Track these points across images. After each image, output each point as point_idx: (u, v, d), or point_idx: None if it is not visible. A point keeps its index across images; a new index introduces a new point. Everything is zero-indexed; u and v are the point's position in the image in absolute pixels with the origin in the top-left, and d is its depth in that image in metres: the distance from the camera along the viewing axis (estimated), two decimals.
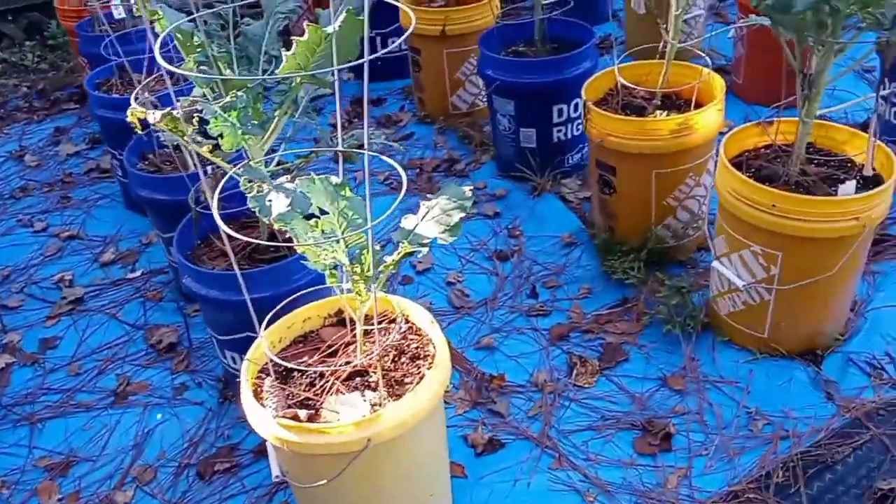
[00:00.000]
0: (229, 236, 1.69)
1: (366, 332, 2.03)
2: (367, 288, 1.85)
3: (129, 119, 2.20)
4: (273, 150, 2.33)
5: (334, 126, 2.28)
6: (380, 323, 2.05)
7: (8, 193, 3.85)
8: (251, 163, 2.23)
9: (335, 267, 1.87)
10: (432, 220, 1.88)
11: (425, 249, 1.83)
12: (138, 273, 3.17)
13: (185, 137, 2.14)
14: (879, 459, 2.11)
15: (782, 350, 2.40)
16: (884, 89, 3.13)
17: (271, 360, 1.88)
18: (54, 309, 3.04)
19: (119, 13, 3.64)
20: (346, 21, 1.88)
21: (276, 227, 1.80)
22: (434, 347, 1.94)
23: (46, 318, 3.00)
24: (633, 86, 2.76)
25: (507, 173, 3.44)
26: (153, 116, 2.08)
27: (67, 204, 3.69)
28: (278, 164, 2.31)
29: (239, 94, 2.05)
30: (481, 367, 2.55)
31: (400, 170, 1.81)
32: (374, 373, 1.90)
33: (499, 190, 3.37)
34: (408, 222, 1.92)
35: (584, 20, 3.37)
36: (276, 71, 2.08)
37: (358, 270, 1.86)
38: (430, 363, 1.89)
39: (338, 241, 1.84)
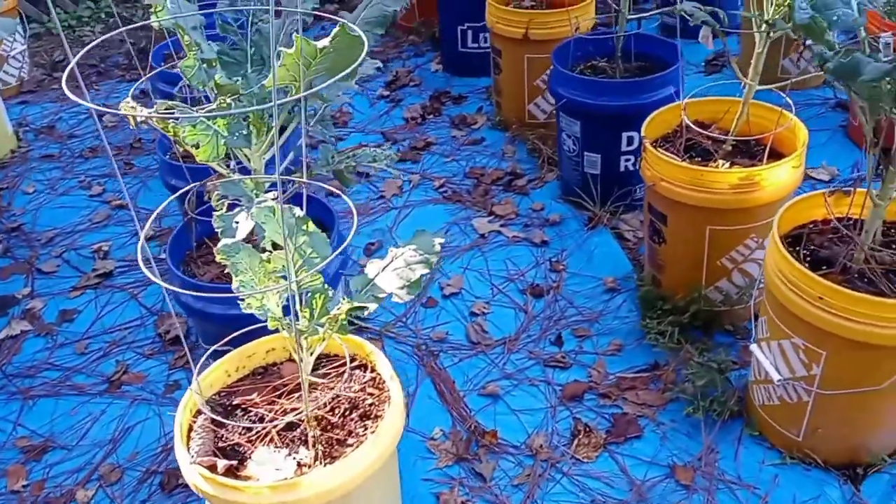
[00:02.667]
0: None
1: (324, 376, 1.86)
2: (311, 334, 1.66)
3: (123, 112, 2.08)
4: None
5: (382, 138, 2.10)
6: (342, 368, 1.86)
7: (79, 152, 3.89)
8: (241, 178, 2.08)
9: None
10: (394, 272, 1.66)
11: (373, 306, 1.62)
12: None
13: (177, 137, 2.00)
14: None
15: (817, 459, 2.05)
16: None
17: (200, 399, 1.73)
18: (81, 280, 3.02)
19: None
20: (340, 37, 1.68)
21: (219, 258, 1.64)
22: (389, 407, 1.74)
23: (72, 288, 2.99)
24: (695, 126, 2.42)
25: (568, 197, 3.17)
26: (140, 112, 1.95)
27: (129, 171, 3.69)
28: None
29: (229, 100, 1.89)
30: (477, 418, 2.32)
31: (350, 204, 1.62)
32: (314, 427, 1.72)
33: (553, 215, 3.10)
34: (371, 268, 1.72)
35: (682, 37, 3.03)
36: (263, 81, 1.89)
37: (307, 315, 1.67)
38: (376, 427, 1.69)
39: (289, 281, 1.65)
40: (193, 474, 1.63)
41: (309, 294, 1.68)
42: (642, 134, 2.44)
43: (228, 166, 2.12)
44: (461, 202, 3.24)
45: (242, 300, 1.60)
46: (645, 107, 2.76)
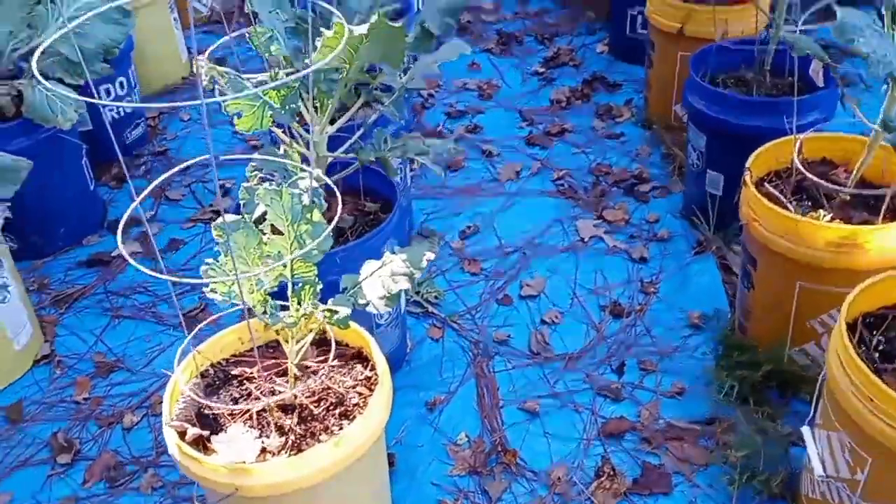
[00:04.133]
0: None
1: (325, 362, 1.84)
2: (290, 325, 1.64)
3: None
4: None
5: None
6: (341, 358, 1.83)
7: None
8: (303, 149, 2.07)
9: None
10: (380, 279, 1.60)
11: (344, 311, 1.57)
12: None
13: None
14: None
15: None
16: None
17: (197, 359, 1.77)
18: (197, 213, 3.18)
19: None
20: (378, 27, 1.62)
21: (214, 233, 1.65)
22: (361, 416, 1.68)
23: (187, 219, 3.16)
24: (808, 166, 2.13)
25: (686, 214, 2.92)
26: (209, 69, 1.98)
27: None
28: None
29: (281, 72, 1.88)
30: (507, 432, 2.23)
31: (337, 193, 1.56)
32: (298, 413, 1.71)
33: (664, 231, 2.87)
34: (366, 268, 1.66)
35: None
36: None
37: (296, 305, 1.65)
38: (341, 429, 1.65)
39: (284, 266, 1.64)
40: (167, 435, 1.68)
41: (300, 284, 1.65)
42: (748, 164, 2.18)
43: (291, 136, 2.12)
44: (574, 199, 3.08)
45: (207, 285, 1.58)
46: (779, 131, 2.46)
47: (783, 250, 2.04)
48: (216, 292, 1.58)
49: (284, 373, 1.84)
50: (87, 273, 2.93)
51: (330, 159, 2.11)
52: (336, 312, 1.56)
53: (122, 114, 3.48)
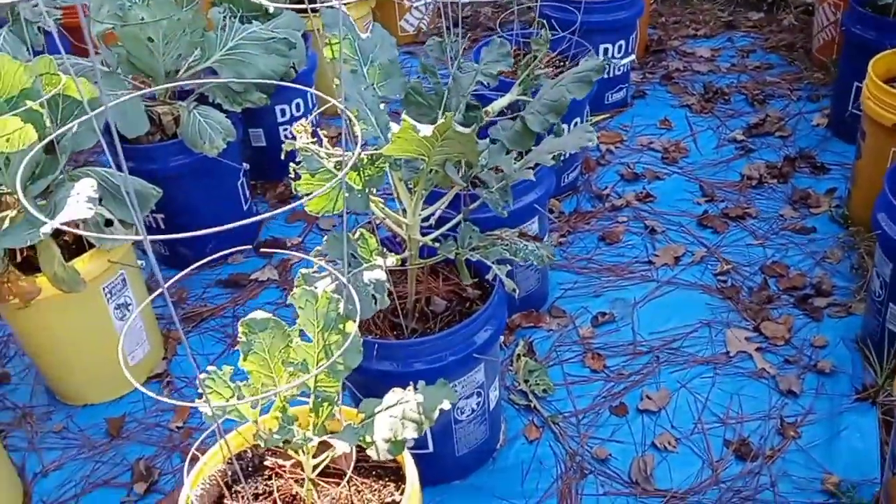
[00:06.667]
0: None
1: (358, 474, 1.69)
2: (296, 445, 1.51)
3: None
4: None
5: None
6: (376, 470, 1.67)
7: None
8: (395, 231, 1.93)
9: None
10: (391, 418, 1.42)
11: (343, 447, 1.40)
12: None
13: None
14: None
15: None
16: None
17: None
18: None
19: None
20: (444, 129, 1.46)
21: (240, 330, 1.54)
22: None
23: None
24: None
25: (860, 346, 2.46)
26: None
27: None
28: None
29: (364, 154, 1.74)
30: None
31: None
32: None
33: (827, 362, 2.43)
34: (391, 397, 1.48)
35: None
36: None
37: (313, 419, 1.52)
38: None
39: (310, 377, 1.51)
40: None
41: (320, 399, 1.52)
42: None
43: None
44: (733, 300, 2.70)
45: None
46: None
47: None
48: (213, 399, 1.48)
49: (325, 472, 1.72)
50: (223, 293, 2.99)
51: (421, 243, 1.95)
52: (324, 451, 1.41)
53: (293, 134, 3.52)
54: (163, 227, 3.01)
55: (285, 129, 3.48)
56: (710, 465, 2.21)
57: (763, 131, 3.56)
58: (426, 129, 1.45)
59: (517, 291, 1.81)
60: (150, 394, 1.26)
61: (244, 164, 3.13)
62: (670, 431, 2.31)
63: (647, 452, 2.26)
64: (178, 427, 2.49)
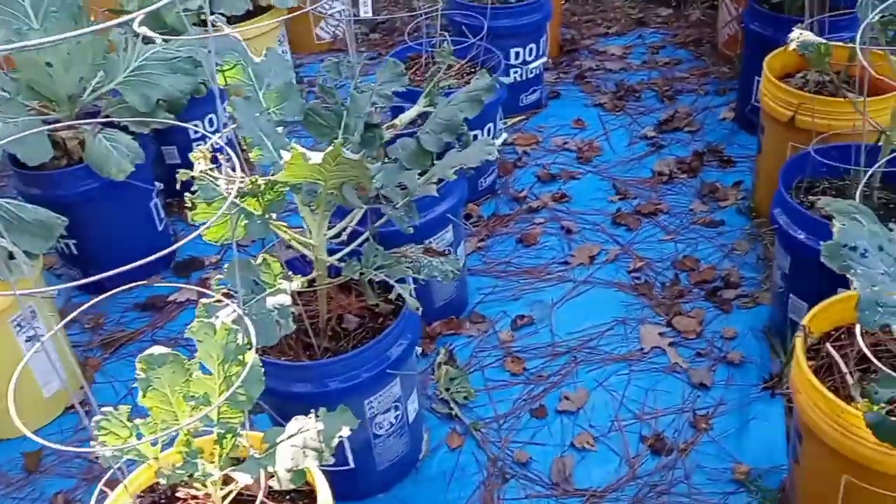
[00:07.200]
0: None
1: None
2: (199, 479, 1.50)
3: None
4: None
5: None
6: (290, 500, 1.68)
7: None
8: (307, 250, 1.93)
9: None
10: (292, 448, 1.43)
11: (244, 479, 1.41)
12: None
13: None
14: None
15: None
16: None
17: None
18: None
19: None
20: (332, 158, 1.47)
21: (137, 367, 1.53)
22: None
23: None
24: (863, 343, 1.74)
25: (768, 336, 2.54)
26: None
27: None
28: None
29: (261, 180, 1.74)
30: None
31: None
32: None
33: (737, 353, 2.51)
34: (293, 426, 1.49)
35: None
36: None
37: (217, 452, 1.52)
38: None
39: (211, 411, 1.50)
40: None
41: (224, 430, 1.52)
42: (804, 321, 1.84)
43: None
44: (646, 297, 2.77)
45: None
46: None
47: (827, 437, 1.69)
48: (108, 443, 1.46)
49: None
50: (141, 317, 2.95)
51: (328, 263, 1.96)
52: (233, 480, 1.42)
53: None
54: (75, 252, 2.96)
55: (199, 145, 3.43)
56: (628, 462, 2.26)
57: (673, 127, 3.65)
58: (316, 157, 1.46)
59: (420, 309, 1.83)
60: (41, 441, 1.25)
61: (157, 184, 3.09)
62: (589, 431, 2.36)
63: (566, 453, 2.30)
64: (96, 458, 2.45)
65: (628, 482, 2.21)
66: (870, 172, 1.90)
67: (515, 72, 3.66)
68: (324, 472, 2.07)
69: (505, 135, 3.38)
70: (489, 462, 2.31)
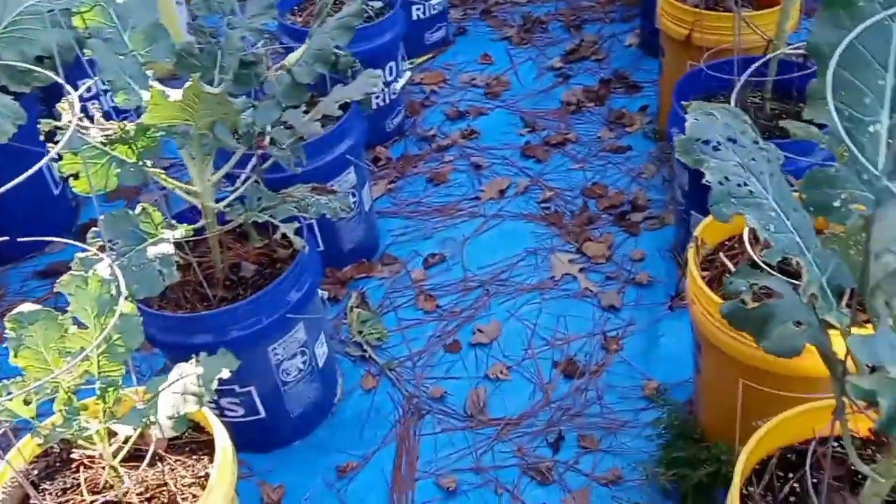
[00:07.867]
0: None
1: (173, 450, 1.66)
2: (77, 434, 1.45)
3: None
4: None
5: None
6: (191, 452, 1.64)
7: None
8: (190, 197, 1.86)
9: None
10: (173, 395, 1.38)
11: (124, 431, 1.37)
12: None
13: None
14: None
15: None
16: None
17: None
18: None
19: None
20: (191, 92, 1.40)
21: (7, 326, 1.47)
22: None
23: None
24: (752, 251, 1.76)
25: (674, 255, 2.57)
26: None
27: None
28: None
29: (129, 126, 1.67)
30: None
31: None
32: None
33: (644, 274, 2.54)
34: (174, 373, 1.45)
35: None
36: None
37: (101, 407, 1.47)
38: None
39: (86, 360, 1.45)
40: None
41: (105, 384, 1.46)
42: (696, 231, 1.85)
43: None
44: (556, 226, 2.77)
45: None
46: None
47: (722, 344, 1.71)
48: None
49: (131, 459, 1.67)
50: (43, 284, 2.85)
51: (216, 210, 1.90)
52: (115, 434, 1.37)
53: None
54: None
55: (93, 103, 3.30)
56: (541, 388, 2.28)
57: (579, 56, 3.63)
58: (175, 94, 1.39)
59: (306, 248, 1.79)
60: None
61: (48, 145, 2.96)
62: (502, 361, 2.37)
63: (480, 385, 2.31)
64: None
65: (542, 408, 2.23)
66: (743, 78, 1.91)
67: (417, 8, 3.59)
68: (235, 423, 2.05)
69: (409, 73, 3.32)
70: (404, 400, 2.30)
